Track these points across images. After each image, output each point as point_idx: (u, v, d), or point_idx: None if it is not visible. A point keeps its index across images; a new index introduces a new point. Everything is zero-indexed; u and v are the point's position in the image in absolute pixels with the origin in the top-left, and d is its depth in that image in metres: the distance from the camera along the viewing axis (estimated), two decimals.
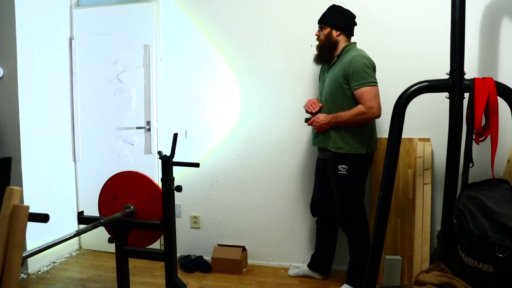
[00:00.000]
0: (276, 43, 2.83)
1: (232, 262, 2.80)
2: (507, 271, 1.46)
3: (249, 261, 2.97)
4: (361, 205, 2.39)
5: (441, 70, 2.07)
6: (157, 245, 2.85)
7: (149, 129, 3.09)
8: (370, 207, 2.66)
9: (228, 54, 2.93)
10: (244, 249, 2.91)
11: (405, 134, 2.12)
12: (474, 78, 1.92)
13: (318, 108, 2.38)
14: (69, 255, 3.18)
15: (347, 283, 2.43)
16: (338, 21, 2.34)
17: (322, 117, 2.33)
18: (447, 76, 1.99)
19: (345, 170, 2.30)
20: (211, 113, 3.00)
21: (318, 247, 2.68)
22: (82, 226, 1.92)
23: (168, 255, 2.11)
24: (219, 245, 2.99)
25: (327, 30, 2.36)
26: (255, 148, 2.93)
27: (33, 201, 2.70)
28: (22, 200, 1.86)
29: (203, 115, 3.01)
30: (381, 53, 2.53)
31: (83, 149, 3.25)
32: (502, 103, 1.91)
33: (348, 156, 2.29)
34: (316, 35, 2.41)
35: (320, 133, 2.40)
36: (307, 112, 2.45)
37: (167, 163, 2.07)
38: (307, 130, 2.73)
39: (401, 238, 2.55)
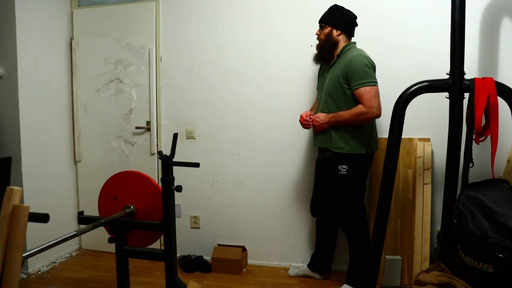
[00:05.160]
0: (276, 42, 2.83)
1: (232, 262, 2.80)
2: (507, 271, 1.46)
3: (249, 261, 2.97)
4: (361, 205, 2.39)
5: (442, 66, 2.08)
6: (157, 245, 2.86)
7: (149, 129, 3.09)
8: (370, 207, 2.66)
9: (228, 54, 2.93)
10: (244, 249, 2.91)
11: (405, 134, 2.12)
12: (474, 78, 1.92)
13: (310, 116, 2.40)
14: (69, 255, 3.18)
15: (347, 283, 2.43)
16: (339, 20, 2.34)
17: (322, 117, 2.33)
18: (447, 76, 1.99)
19: (345, 170, 2.30)
20: (211, 113, 2.99)
21: (318, 247, 2.68)
22: (82, 226, 1.93)
23: (168, 255, 2.11)
24: (219, 245, 2.99)
25: (327, 29, 2.36)
26: (255, 148, 2.93)
27: (33, 201, 2.71)
28: (22, 200, 1.86)
29: (203, 115, 3.01)
30: (381, 50, 2.54)
31: (83, 149, 3.25)
32: (502, 103, 1.91)
33: (348, 156, 2.29)
34: (317, 34, 2.41)
35: (320, 134, 2.40)
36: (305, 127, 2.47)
37: (167, 163, 2.07)
38: (307, 130, 2.73)
39: (401, 238, 2.55)
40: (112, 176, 2.31)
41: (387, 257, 2.48)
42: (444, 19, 2.20)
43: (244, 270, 2.86)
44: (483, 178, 1.77)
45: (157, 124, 3.08)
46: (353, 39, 2.42)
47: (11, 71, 2.72)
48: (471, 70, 2.38)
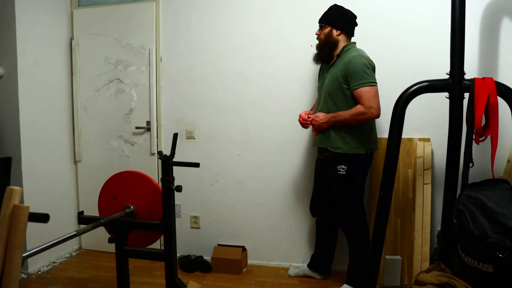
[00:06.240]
0: (276, 42, 2.83)
1: (232, 262, 2.80)
2: (507, 271, 1.46)
3: (249, 261, 2.97)
4: (360, 205, 2.39)
5: (442, 66, 2.08)
6: (157, 245, 2.85)
7: (149, 129, 3.09)
8: (370, 207, 2.66)
9: (228, 54, 2.93)
10: (244, 249, 2.91)
11: (405, 134, 2.12)
12: (474, 78, 1.92)
13: (309, 115, 2.41)
14: (69, 255, 3.18)
15: (347, 283, 2.43)
16: (339, 20, 2.34)
17: (321, 116, 2.33)
18: (447, 76, 1.99)
19: (344, 170, 2.30)
20: (211, 113, 2.99)
21: (318, 247, 2.68)
22: (82, 226, 1.93)
23: (168, 255, 2.11)
24: (219, 245, 2.99)
25: (327, 29, 2.36)
26: (255, 148, 2.93)
27: (33, 201, 2.71)
28: (22, 200, 1.86)
29: (203, 115, 3.01)
30: (381, 50, 2.54)
31: (83, 149, 3.25)
32: (502, 103, 1.91)
33: (348, 156, 2.29)
34: (317, 34, 2.41)
35: (319, 134, 2.40)
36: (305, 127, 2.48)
37: (167, 163, 2.07)
38: (307, 130, 2.73)
39: (401, 238, 2.55)
40: (112, 176, 2.31)
41: (387, 257, 2.48)
42: (444, 19, 2.20)
43: (244, 270, 2.86)
44: (483, 178, 1.77)
45: (157, 124, 3.08)
46: (353, 39, 2.42)
47: (11, 71, 2.72)
48: (471, 70, 2.38)
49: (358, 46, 2.37)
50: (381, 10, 2.63)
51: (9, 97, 2.73)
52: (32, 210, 1.26)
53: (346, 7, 2.38)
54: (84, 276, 2.78)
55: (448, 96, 2.00)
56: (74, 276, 2.78)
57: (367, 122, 2.30)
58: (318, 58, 2.45)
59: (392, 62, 2.59)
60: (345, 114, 2.25)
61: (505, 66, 2.48)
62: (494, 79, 1.90)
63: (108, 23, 3.12)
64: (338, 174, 2.32)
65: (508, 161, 2.36)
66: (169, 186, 2.07)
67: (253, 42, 2.87)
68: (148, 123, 3.09)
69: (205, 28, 2.96)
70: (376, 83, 2.23)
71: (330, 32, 2.35)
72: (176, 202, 2.30)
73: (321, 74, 2.52)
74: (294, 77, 2.82)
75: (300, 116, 2.45)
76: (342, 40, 2.36)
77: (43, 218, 1.36)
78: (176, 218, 2.29)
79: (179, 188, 2.09)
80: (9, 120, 2.75)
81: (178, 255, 2.72)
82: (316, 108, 2.50)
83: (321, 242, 2.65)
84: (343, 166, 2.30)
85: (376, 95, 2.21)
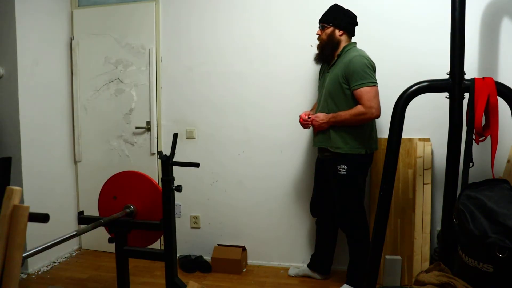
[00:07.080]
0: (276, 42, 2.83)
1: (232, 262, 2.80)
2: (507, 271, 1.46)
3: (249, 261, 2.97)
4: (360, 205, 2.39)
5: (442, 66, 2.08)
6: (157, 245, 2.86)
7: (149, 129, 3.09)
8: (370, 207, 2.66)
9: (228, 54, 2.93)
10: (244, 249, 2.91)
11: (405, 134, 2.12)
12: (474, 78, 1.92)
13: (310, 115, 2.42)
14: (69, 255, 3.18)
15: (347, 283, 2.43)
16: (341, 20, 2.34)
17: (321, 116, 2.33)
18: (447, 76, 1.99)
19: (344, 170, 2.30)
20: (211, 113, 2.99)
21: (318, 247, 2.68)
22: (82, 226, 1.93)
23: (168, 255, 2.11)
24: (219, 245, 2.99)
25: (329, 29, 2.35)
26: (255, 148, 2.93)
27: (33, 201, 2.71)
28: (22, 200, 1.86)
29: (203, 115, 3.01)
30: (381, 50, 2.54)
31: (83, 149, 3.25)
32: (502, 103, 1.91)
33: (348, 156, 2.29)
34: (318, 34, 2.41)
35: (319, 134, 2.40)
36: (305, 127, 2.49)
37: (167, 163, 2.07)
38: (307, 130, 2.73)
39: (401, 238, 2.55)
40: (112, 176, 2.32)
41: (387, 257, 2.48)
42: (444, 19, 2.20)
43: (244, 270, 2.86)
44: (483, 178, 1.77)
45: (157, 124, 3.08)
46: (353, 39, 2.42)
47: (11, 71, 2.72)
48: (471, 70, 2.38)
49: (358, 46, 2.37)
50: (381, 10, 2.63)
51: (9, 97, 2.73)
52: (32, 210, 1.27)
53: (346, 7, 2.38)
54: (84, 276, 2.78)
55: (448, 96, 2.00)
56: (74, 276, 2.78)
57: (367, 122, 2.30)
58: (319, 58, 2.45)
59: (392, 62, 2.59)
60: (345, 114, 2.25)
61: (505, 66, 2.48)
62: (494, 79, 1.90)
63: (108, 23, 3.12)
64: (338, 174, 2.32)
65: (508, 161, 2.36)
66: (169, 186, 2.07)
67: (253, 42, 2.87)
68: (148, 123, 3.08)
69: (205, 28, 2.96)
70: (376, 83, 2.23)
71: (333, 32, 2.34)
72: (176, 202, 2.30)
73: (322, 74, 2.51)
74: (294, 77, 2.82)
75: (300, 117, 2.45)
76: (344, 40, 2.35)
77: (43, 218, 1.36)
78: (176, 218, 2.29)
79: (179, 188, 2.09)
80: (9, 120, 2.74)
81: (178, 255, 2.72)
82: (316, 108, 2.50)
83: (321, 242, 2.65)
84: (343, 166, 2.30)
85: (377, 95, 2.21)
